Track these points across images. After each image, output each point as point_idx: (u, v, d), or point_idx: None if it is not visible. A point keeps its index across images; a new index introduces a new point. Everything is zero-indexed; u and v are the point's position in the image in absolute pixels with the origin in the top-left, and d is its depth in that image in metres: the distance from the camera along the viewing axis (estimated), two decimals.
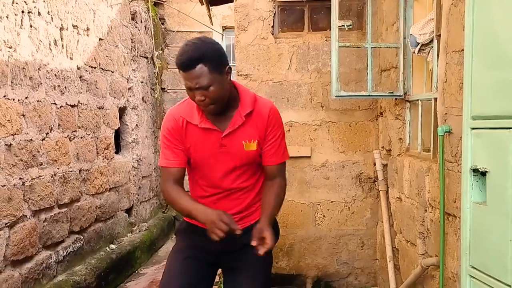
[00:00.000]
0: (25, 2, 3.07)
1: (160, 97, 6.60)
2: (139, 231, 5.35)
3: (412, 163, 2.75)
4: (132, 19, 5.38)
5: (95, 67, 4.25)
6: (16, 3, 2.97)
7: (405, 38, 2.91)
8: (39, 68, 3.27)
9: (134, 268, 4.79)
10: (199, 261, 2.00)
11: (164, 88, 6.74)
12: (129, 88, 5.23)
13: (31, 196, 3.17)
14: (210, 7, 5.31)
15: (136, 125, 5.43)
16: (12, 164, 2.95)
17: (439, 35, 2.46)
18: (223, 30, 6.84)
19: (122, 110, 5.09)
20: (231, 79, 1.86)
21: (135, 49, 5.41)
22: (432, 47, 2.56)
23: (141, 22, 5.66)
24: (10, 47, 2.92)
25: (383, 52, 3.22)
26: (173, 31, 6.68)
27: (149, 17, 6.05)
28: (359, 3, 3.45)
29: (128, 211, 5.21)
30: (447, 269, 2.22)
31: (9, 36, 2.91)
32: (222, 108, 1.82)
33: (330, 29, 3.49)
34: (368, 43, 2.87)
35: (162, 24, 6.73)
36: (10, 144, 2.94)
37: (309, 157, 3.49)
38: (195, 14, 6.38)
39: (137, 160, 5.46)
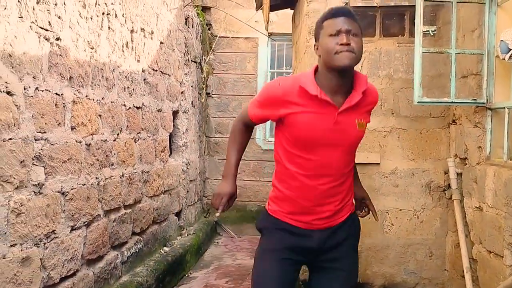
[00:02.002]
0: (105, 4, 3.11)
1: (205, 101, 6.63)
2: (187, 235, 5.36)
3: (499, 172, 2.69)
4: (185, 23, 5.42)
5: (156, 70, 4.28)
6: (98, 5, 3.01)
7: (488, 44, 2.86)
8: (113, 70, 3.30)
9: (184, 272, 4.79)
10: (291, 262, 1.94)
11: (209, 93, 6.78)
12: (182, 92, 5.27)
13: (104, 196, 3.19)
14: (262, 13, 5.33)
15: (186, 129, 5.46)
16: (90, 164, 2.98)
17: None
18: (269, 36, 6.84)
19: (174, 114, 5.11)
20: None
21: (188, 54, 5.45)
22: None
23: (192, 26, 5.71)
24: (92, 48, 2.96)
25: (459, 59, 3.17)
26: (220, 37, 6.72)
27: (199, 22, 6.11)
28: (432, 9, 3.41)
29: (178, 214, 5.23)
30: None
31: (92, 37, 2.94)
32: (353, 65, 1.76)
33: (402, 35, 3.49)
34: (452, 49, 2.83)
35: (209, 29, 6.78)
36: (90, 144, 2.97)
37: (378, 164, 3.44)
38: (241, 19, 6.42)
39: (186, 164, 5.49)
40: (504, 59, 2.65)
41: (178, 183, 5.14)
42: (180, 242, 5.02)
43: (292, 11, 5.03)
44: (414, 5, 3.12)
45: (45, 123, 2.44)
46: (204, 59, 6.44)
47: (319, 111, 1.77)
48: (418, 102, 2.86)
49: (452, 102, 2.88)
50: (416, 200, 3.46)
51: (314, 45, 1.85)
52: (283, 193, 1.91)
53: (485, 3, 2.81)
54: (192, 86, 5.70)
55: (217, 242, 6.34)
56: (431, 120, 3.44)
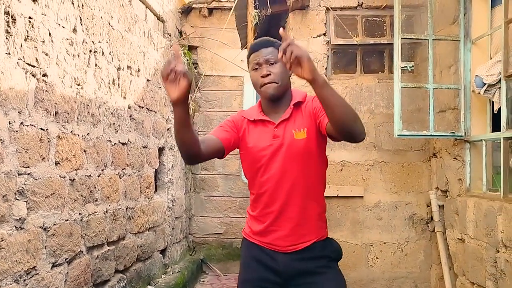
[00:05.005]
0: (92, 42, 3.18)
1: None
2: (172, 273, 5.27)
3: (478, 203, 2.74)
4: None
5: (142, 107, 4.33)
6: (86, 42, 3.08)
7: (464, 79, 2.97)
8: (99, 106, 3.34)
9: None
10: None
11: (195, 130, 6.81)
12: (168, 129, 5.30)
13: (87, 232, 3.16)
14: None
15: (172, 165, 5.46)
16: (74, 199, 2.96)
17: (508, 76, 2.51)
18: None
19: (160, 150, 5.13)
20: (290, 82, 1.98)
21: None
22: (500, 87, 2.61)
23: None
24: (79, 84, 3.00)
25: (437, 94, 3.27)
26: (206, 75, 6.84)
27: (186, 61, 6.22)
28: (410, 46, 3.54)
29: (163, 252, 5.16)
30: None
31: (79, 73, 2.99)
32: (280, 92, 1.89)
33: (382, 72, 3.60)
34: (430, 84, 2.94)
35: (195, 68, 6.90)
36: (74, 179, 2.96)
37: (362, 197, 3.48)
38: (227, 59, 6.56)
39: (172, 201, 5.46)
40: (479, 93, 2.74)
41: (163, 220, 5.10)
42: (164, 280, 4.93)
43: None
44: (393, 43, 3.24)
45: (29, 158, 2.44)
46: (191, 97, 6.52)
47: (262, 130, 1.94)
48: (399, 135, 2.93)
49: (431, 135, 2.96)
50: (399, 233, 3.48)
51: None
52: (252, 215, 1.99)
53: (460, 41, 2.93)
54: None
55: (203, 281, 6.23)
56: (412, 154, 3.51)
